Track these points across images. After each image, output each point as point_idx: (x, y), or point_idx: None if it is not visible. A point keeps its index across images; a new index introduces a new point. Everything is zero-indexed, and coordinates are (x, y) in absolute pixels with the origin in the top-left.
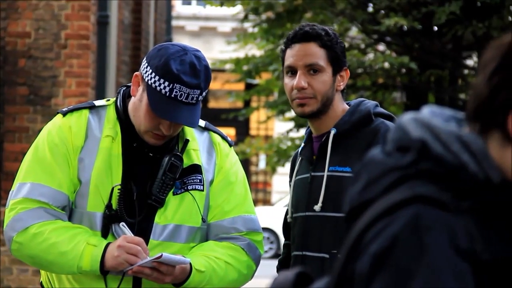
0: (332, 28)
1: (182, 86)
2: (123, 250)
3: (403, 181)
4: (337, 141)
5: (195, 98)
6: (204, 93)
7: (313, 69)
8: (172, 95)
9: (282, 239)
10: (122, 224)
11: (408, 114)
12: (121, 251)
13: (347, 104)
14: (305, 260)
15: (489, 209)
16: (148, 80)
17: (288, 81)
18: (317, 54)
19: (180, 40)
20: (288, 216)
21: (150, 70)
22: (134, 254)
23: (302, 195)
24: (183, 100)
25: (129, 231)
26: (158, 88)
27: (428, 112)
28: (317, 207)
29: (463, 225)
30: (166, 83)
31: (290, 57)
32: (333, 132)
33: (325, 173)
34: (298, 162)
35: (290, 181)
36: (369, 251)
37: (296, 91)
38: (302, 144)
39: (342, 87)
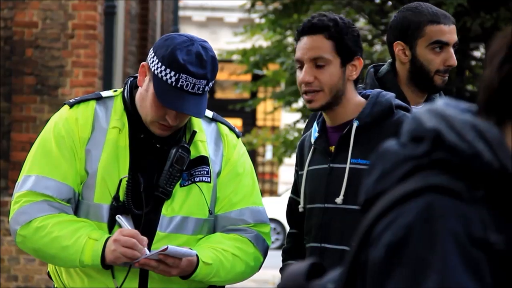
0: (343, 17)
1: (188, 76)
2: (119, 244)
3: (417, 171)
4: (358, 133)
5: (201, 89)
6: (210, 84)
7: (318, 63)
8: (178, 85)
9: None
10: (117, 216)
11: (423, 106)
12: (116, 245)
13: (362, 94)
14: (324, 252)
15: (503, 199)
16: (154, 70)
17: (298, 75)
18: (323, 46)
19: (187, 30)
20: (300, 206)
21: (157, 60)
22: (130, 247)
23: (319, 186)
24: (189, 90)
25: (125, 223)
26: (164, 78)
27: (442, 103)
28: (338, 200)
29: (477, 214)
30: (172, 73)
31: (298, 50)
32: (355, 124)
33: (347, 166)
34: (311, 151)
35: (300, 170)
36: (383, 241)
37: (303, 85)
38: (316, 134)
39: (355, 77)
